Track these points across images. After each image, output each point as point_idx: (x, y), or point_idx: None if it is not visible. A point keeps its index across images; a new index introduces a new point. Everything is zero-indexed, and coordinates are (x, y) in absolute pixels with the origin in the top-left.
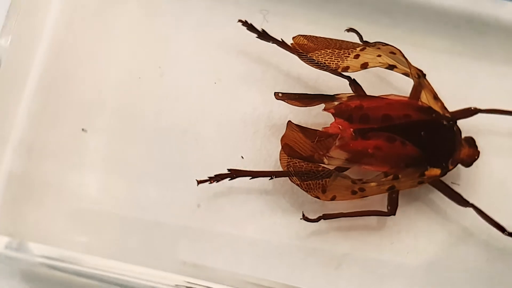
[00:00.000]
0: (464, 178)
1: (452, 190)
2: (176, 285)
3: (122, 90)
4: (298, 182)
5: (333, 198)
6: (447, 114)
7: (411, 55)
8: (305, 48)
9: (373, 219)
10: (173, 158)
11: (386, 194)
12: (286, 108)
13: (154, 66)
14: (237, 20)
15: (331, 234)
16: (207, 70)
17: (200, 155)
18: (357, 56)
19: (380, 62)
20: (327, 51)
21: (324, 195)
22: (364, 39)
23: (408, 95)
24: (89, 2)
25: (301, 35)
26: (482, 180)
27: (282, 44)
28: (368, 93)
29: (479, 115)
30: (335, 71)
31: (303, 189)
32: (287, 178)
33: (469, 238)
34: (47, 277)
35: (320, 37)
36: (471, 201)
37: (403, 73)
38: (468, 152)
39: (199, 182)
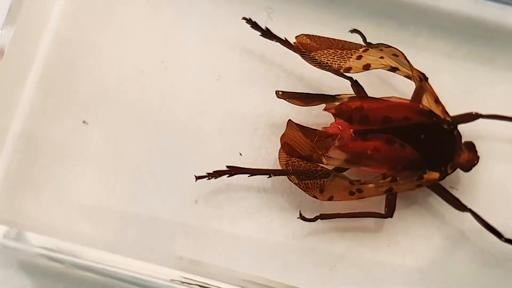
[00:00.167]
0: (463, 183)
1: (450, 194)
2: (171, 279)
3: (125, 83)
4: (296, 181)
5: (330, 198)
6: (448, 118)
7: (414, 58)
8: (308, 48)
9: (370, 221)
10: (173, 153)
11: (385, 196)
12: (287, 107)
13: (157, 60)
14: (242, 18)
15: (327, 235)
16: (210, 66)
17: (199, 151)
18: (359, 57)
19: (382, 64)
20: (329, 51)
21: (322, 195)
22: (368, 41)
23: (409, 98)
24: None
25: (304, 35)
26: (481, 186)
27: (285, 43)
28: (369, 95)
29: (481, 120)
30: (337, 72)
31: (301, 188)
32: (286, 176)
33: (466, 243)
34: (44, 267)
35: (323, 37)
36: (469, 206)
37: (405, 76)
38: (468, 157)
39: (197, 177)
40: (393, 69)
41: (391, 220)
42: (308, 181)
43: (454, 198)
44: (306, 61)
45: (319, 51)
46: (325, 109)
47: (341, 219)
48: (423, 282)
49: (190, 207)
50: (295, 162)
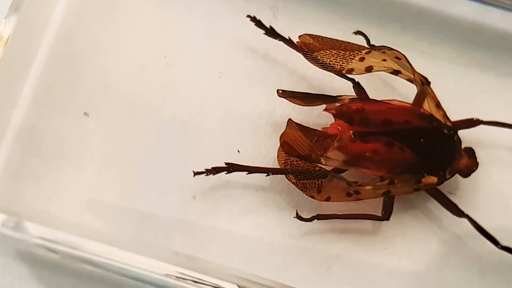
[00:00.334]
0: (462, 189)
1: (448, 199)
2: (167, 274)
3: (127, 77)
4: (294, 181)
5: (327, 199)
6: (449, 123)
7: (417, 62)
8: (311, 48)
9: (367, 223)
10: (172, 149)
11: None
12: (288, 106)
13: (160, 55)
14: (246, 15)
15: (324, 235)
16: (213, 63)
17: (199, 147)
18: (362, 59)
19: (385, 67)
20: (332, 52)
21: (319, 195)
22: (372, 43)
23: (411, 101)
24: None
25: (308, 34)
26: (480, 192)
27: (289, 42)
28: (371, 97)
29: (481, 126)
30: (339, 73)
31: (299, 188)
32: (284, 175)
33: (462, 248)
34: (42, 257)
35: (326, 37)
36: (467, 212)
37: (407, 79)
38: (467, 163)
39: (196, 173)
40: (396, 72)
41: (388, 223)
42: (306, 181)
43: (452, 203)
44: (309, 61)
45: (322, 52)
46: (325, 110)
47: (338, 220)
48: (419, 286)
49: (188, 202)
50: (293, 161)
